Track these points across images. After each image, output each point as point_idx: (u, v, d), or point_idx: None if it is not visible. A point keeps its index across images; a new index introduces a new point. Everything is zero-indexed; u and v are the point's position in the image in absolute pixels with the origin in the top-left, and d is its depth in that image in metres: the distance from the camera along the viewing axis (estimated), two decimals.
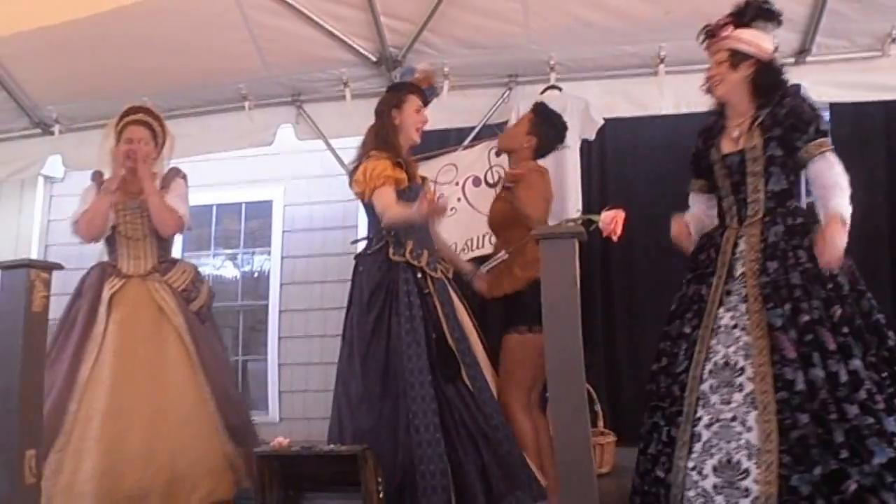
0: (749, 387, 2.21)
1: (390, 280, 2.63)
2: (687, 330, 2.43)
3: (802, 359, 2.18)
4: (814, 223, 2.35)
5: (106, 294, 2.99)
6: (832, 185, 2.31)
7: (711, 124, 2.62)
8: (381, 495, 2.30)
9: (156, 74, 3.83)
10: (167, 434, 2.79)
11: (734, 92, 2.50)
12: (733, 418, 2.21)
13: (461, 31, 3.70)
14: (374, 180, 2.65)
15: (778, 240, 2.35)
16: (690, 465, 2.23)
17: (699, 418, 2.27)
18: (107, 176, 3.15)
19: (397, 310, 2.57)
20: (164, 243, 3.20)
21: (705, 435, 2.24)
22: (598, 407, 3.70)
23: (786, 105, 2.42)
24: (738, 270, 2.39)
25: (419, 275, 2.65)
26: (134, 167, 3.09)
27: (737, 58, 2.47)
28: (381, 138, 2.78)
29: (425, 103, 2.87)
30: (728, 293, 2.38)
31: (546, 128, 3.06)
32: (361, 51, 3.81)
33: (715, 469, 2.18)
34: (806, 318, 2.22)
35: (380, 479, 2.31)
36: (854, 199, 2.31)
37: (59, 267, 2.50)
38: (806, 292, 2.26)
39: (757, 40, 2.48)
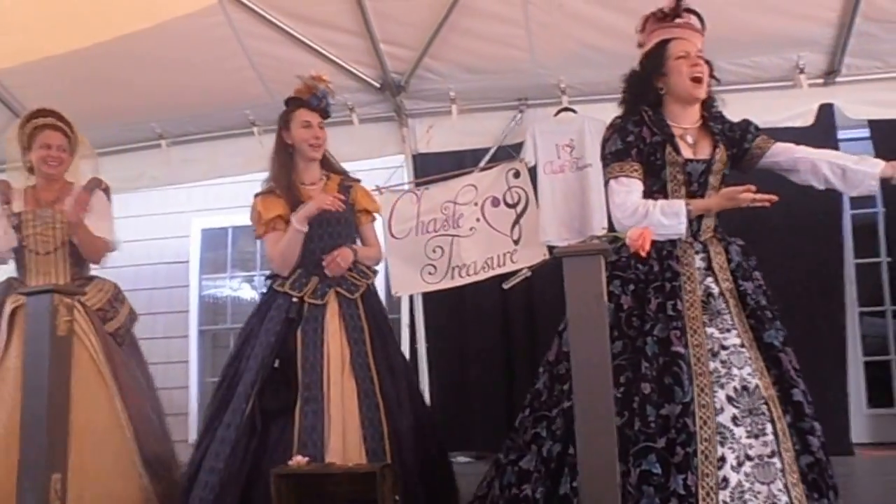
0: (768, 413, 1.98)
1: (265, 307, 2.62)
2: (680, 349, 2.02)
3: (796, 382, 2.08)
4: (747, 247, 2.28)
5: (8, 309, 2.80)
6: (819, 150, 2.29)
7: (658, 118, 2.25)
8: None
9: (163, 101, 3.88)
10: (75, 465, 2.28)
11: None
12: (771, 454, 1.88)
13: (464, 56, 3.63)
14: (258, 228, 2.66)
15: (741, 260, 2.20)
16: None
17: (722, 458, 1.87)
18: (14, 186, 2.96)
19: (257, 334, 2.56)
20: (78, 259, 2.94)
21: (734, 479, 1.85)
22: None
23: (731, 124, 2.31)
24: (714, 289, 2.14)
25: (294, 300, 2.56)
26: (51, 173, 2.91)
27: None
28: (273, 169, 2.70)
29: (322, 115, 2.66)
30: (711, 311, 2.11)
31: None
32: (364, 77, 3.77)
33: None
34: (779, 341, 2.11)
35: (397, 497, 2.23)
36: None
37: (81, 292, 2.53)
38: (773, 316, 2.15)
39: None
